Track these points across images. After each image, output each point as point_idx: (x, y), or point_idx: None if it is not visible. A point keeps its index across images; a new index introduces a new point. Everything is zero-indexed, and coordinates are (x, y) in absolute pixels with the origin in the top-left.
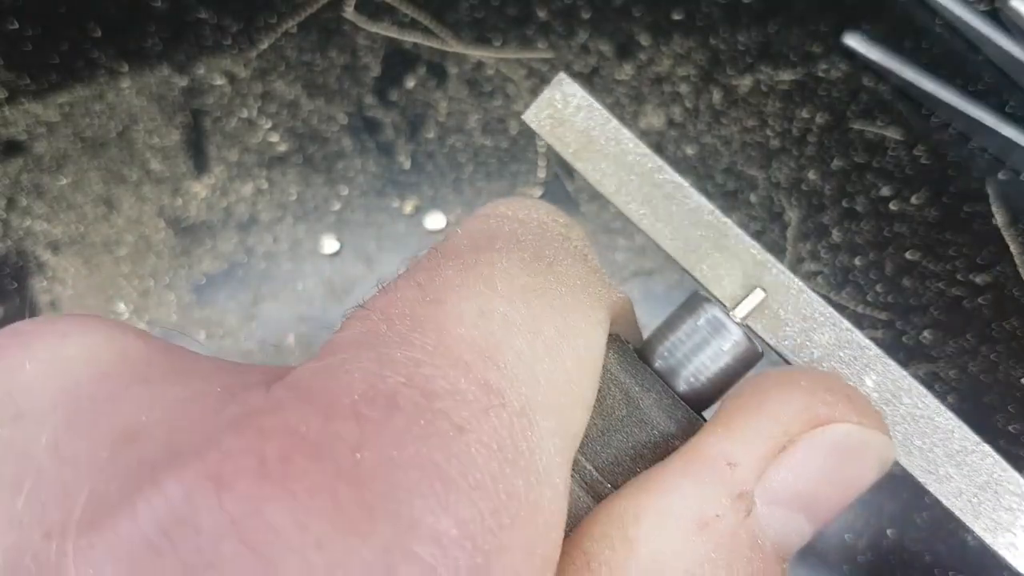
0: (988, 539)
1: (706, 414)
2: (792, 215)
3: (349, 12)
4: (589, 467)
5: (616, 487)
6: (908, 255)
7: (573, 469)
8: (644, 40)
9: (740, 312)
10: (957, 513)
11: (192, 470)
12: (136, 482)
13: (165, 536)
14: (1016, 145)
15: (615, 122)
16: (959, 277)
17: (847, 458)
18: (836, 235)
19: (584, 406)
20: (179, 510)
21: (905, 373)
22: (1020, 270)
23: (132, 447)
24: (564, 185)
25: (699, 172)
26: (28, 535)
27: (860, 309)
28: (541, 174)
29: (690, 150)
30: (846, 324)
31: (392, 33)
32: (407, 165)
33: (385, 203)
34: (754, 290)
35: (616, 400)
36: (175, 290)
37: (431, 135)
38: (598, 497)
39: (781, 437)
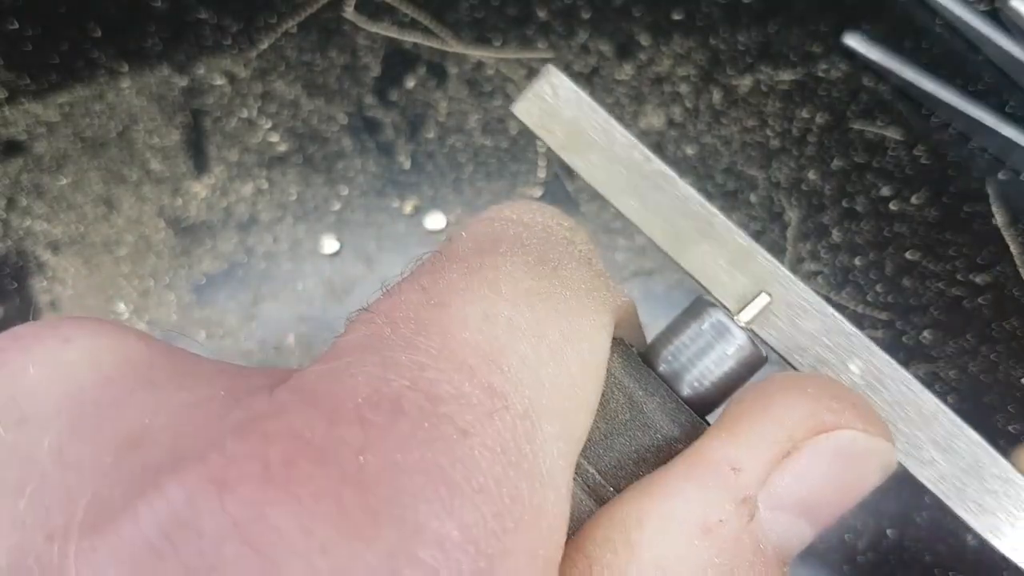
0: (972, 522)
1: (710, 418)
2: (792, 215)
3: (349, 12)
4: (592, 471)
5: (619, 491)
6: (908, 255)
7: (576, 472)
8: (644, 40)
9: (745, 316)
10: (941, 496)
11: (195, 473)
12: (139, 486)
13: (167, 539)
14: (1016, 145)
15: (603, 113)
16: (959, 277)
17: (851, 464)
18: (836, 235)
19: (588, 410)
20: (181, 513)
21: (893, 361)
22: (1020, 270)
23: (135, 451)
24: (564, 185)
25: (699, 172)
26: (31, 537)
27: (860, 309)
28: (541, 174)
29: (690, 150)
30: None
31: (392, 33)
32: (407, 165)
33: (385, 203)
34: (759, 294)
35: (620, 404)
36: (175, 290)
37: (431, 135)
38: (601, 501)
39: (786, 442)
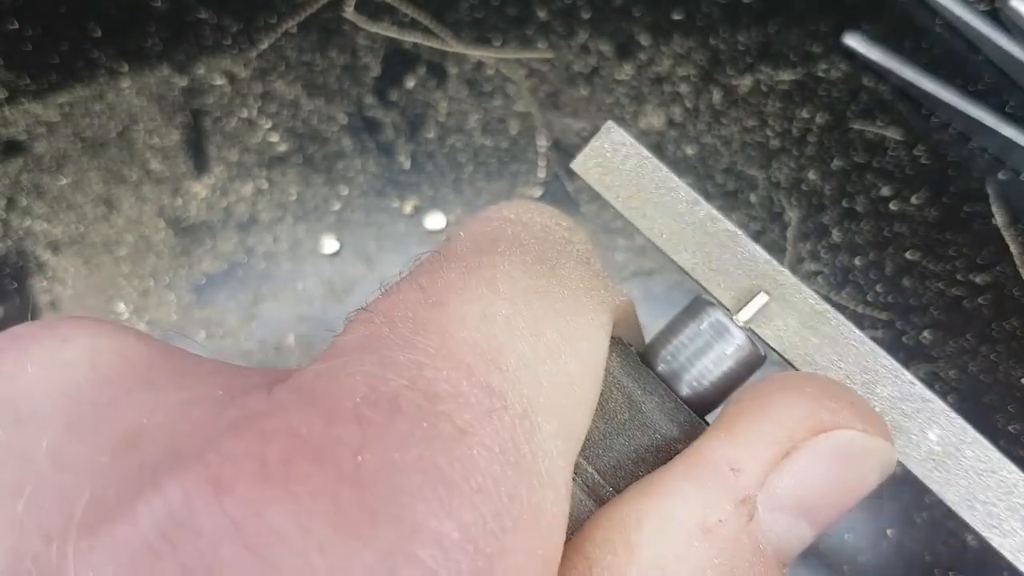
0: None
1: (709, 418)
2: (792, 215)
3: (349, 12)
4: (591, 470)
5: (618, 491)
6: (908, 255)
7: (575, 472)
8: (644, 40)
9: (743, 316)
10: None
11: (192, 473)
12: (137, 486)
13: (165, 539)
14: (1016, 145)
15: (665, 170)
16: (959, 277)
17: (850, 464)
18: (836, 235)
19: (586, 409)
20: (179, 512)
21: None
22: (1020, 270)
23: (133, 451)
24: (564, 185)
25: (699, 172)
26: (28, 538)
27: (860, 309)
28: (541, 174)
29: (690, 150)
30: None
31: (392, 33)
32: (407, 165)
33: (385, 203)
34: (758, 294)
35: (618, 403)
36: (175, 290)
37: (431, 135)
38: (600, 501)
39: (785, 443)
